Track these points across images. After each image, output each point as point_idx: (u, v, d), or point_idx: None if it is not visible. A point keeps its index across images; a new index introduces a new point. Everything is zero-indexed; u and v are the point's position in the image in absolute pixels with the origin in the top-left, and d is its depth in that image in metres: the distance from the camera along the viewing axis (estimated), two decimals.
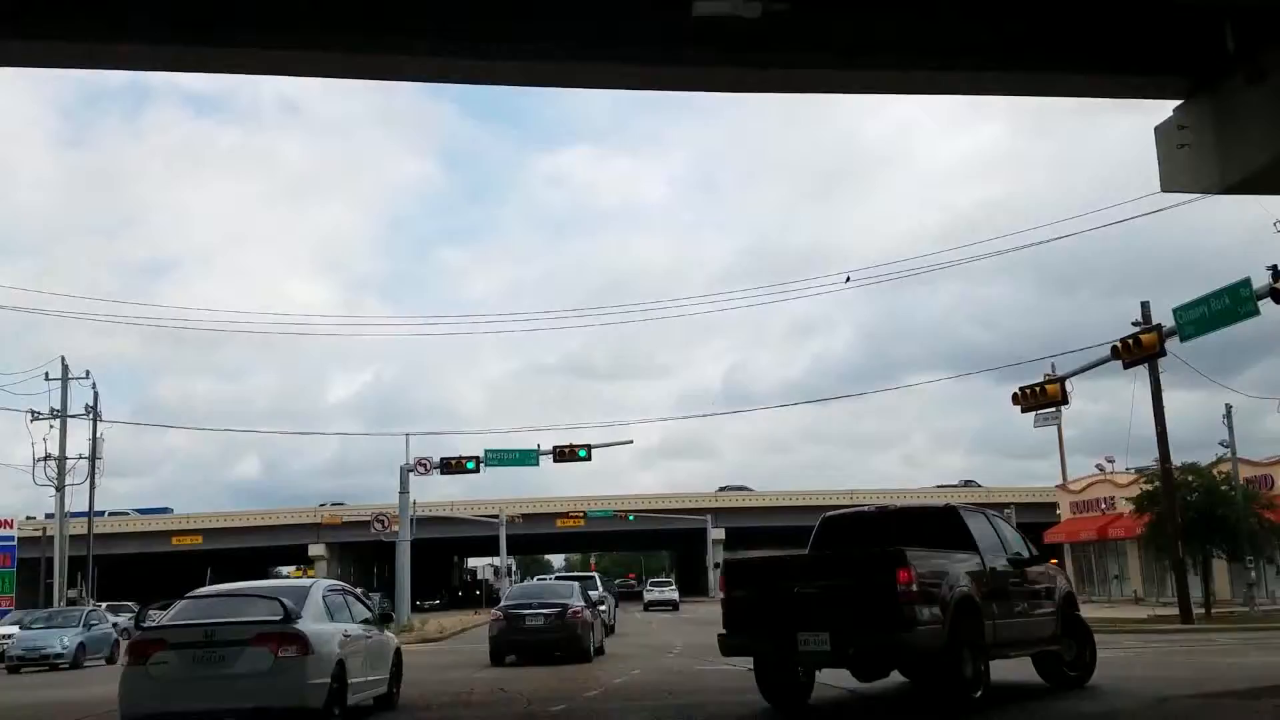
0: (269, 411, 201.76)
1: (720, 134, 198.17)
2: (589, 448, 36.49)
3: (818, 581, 10.53)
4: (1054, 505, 58.03)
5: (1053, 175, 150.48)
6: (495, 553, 70.65)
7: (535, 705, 13.56)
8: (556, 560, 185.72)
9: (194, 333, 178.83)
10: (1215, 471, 32.34)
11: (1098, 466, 56.67)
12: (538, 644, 19.69)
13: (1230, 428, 31.97)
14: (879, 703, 12.50)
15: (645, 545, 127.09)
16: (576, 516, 74.92)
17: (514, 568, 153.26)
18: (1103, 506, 54.14)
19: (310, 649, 10.58)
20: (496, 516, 65.80)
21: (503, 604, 21.21)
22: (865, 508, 13.70)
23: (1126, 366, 19.47)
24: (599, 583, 34.21)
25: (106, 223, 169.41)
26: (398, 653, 13.74)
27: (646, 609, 57.47)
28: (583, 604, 20.92)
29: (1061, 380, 22.12)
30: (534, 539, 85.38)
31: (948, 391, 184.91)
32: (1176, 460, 31.20)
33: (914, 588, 9.84)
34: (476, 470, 34.88)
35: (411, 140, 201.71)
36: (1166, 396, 26.35)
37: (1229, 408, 31.85)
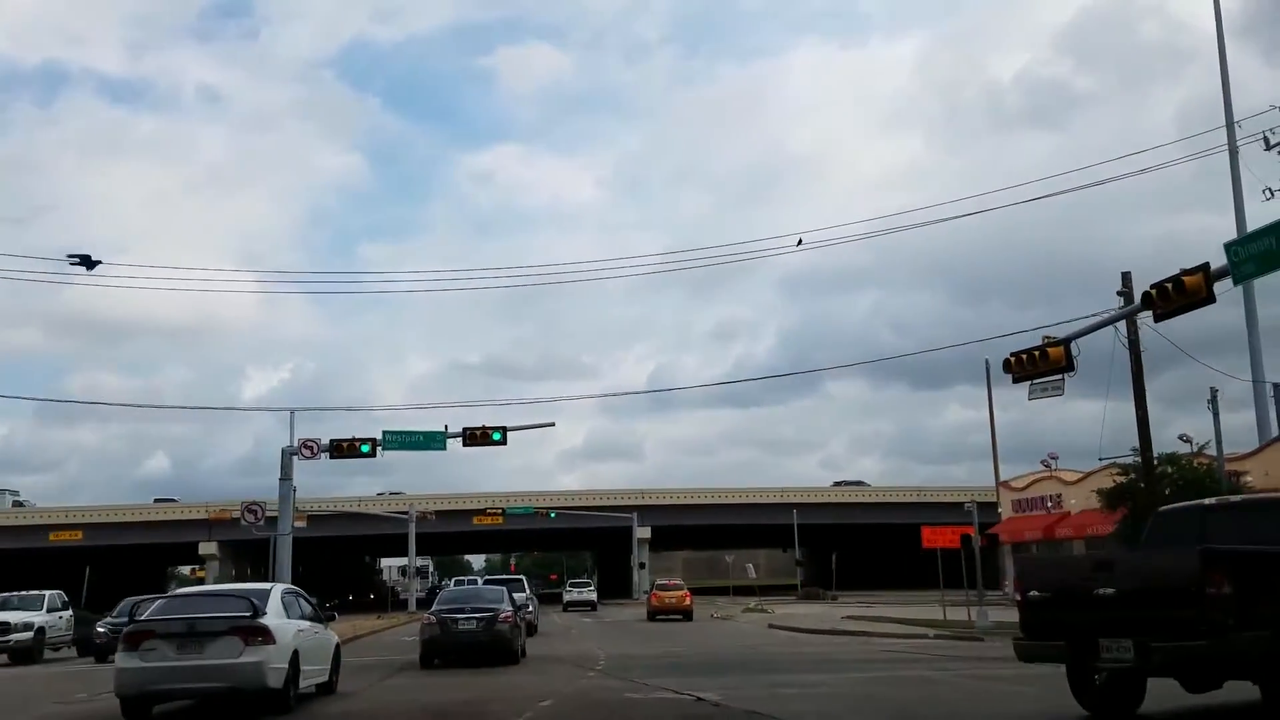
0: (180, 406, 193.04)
1: (646, 137, 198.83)
2: (504, 430, 32.14)
3: (1120, 583, 9.68)
4: (994, 505, 55.36)
5: (967, 187, 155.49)
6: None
7: None
8: (476, 560, 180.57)
9: (105, 327, 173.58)
10: (1196, 463, 29.34)
11: (1043, 464, 54.27)
12: (469, 647, 20.27)
13: (1215, 413, 28.84)
14: (1215, 717, 10.87)
15: (567, 545, 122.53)
16: (495, 514, 70.25)
17: (431, 569, 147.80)
18: (1048, 505, 51.52)
19: (273, 639, 12.44)
20: (406, 512, 60.93)
21: (435, 609, 21.71)
22: (1205, 501, 12.81)
23: (1159, 318, 15.89)
24: (526, 585, 35.87)
25: (16, 210, 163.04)
26: (337, 648, 15.96)
27: (566, 609, 55.30)
28: (511, 609, 21.42)
29: (1065, 342, 18.58)
30: (450, 538, 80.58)
31: (865, 398, 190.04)
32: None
33: (1227, 589, 8.79)
34: (373, 454, 30.22)
35: (335, 133, 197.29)
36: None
37: (1214, 391, 28.72)
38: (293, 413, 30.31)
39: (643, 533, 74.95)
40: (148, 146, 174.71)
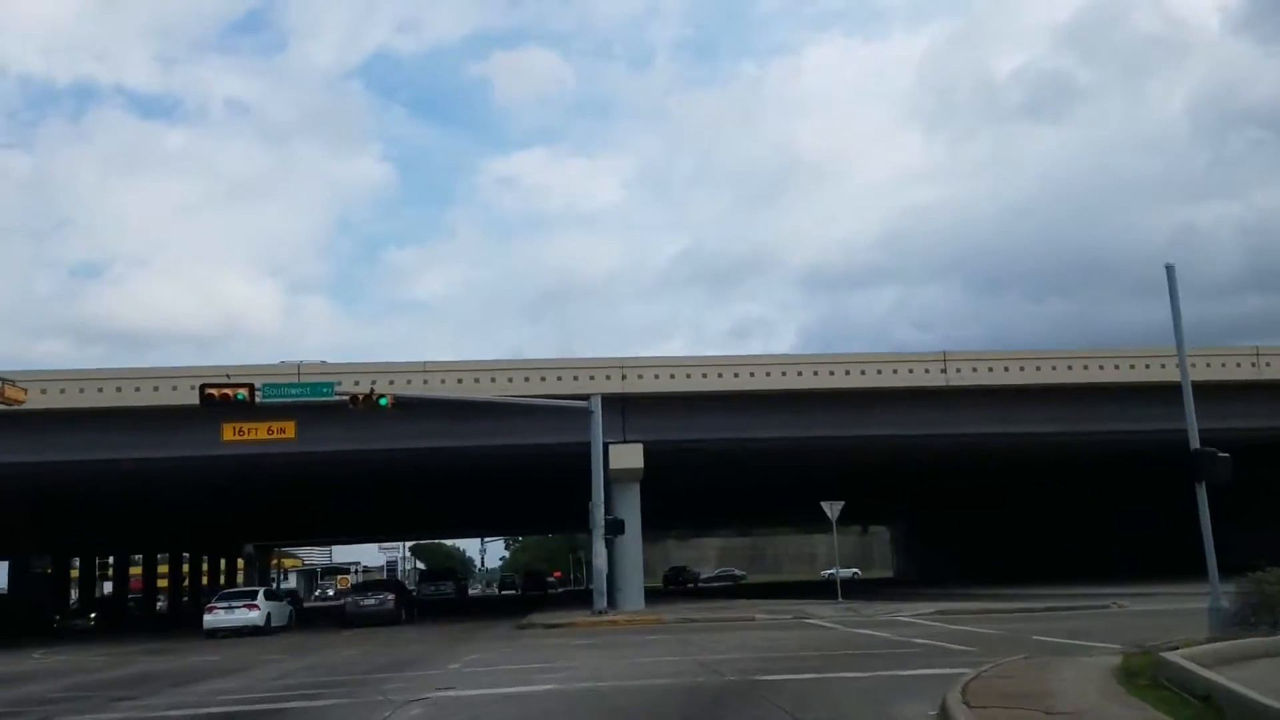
0: None
1: (663, 139, 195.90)
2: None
3: None
4: None
5: (979, 182, 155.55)
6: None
7: None
8: (486, 549, 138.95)
9: (128, 335, 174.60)
10: None
11: None
12: (369, 615, 35.95)
13: None
14: None
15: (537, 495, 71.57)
16: (237, 387, 28.32)
17: (414, 564, 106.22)
18: None
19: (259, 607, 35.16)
20: None
21: (349, 594, 42.37)
22: None
23: None
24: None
25: (41, 224, 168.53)
26: (292, 611, 39.96)
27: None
28: (394, 594, 37.74)
29: None
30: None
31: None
32: None
33: None
34: None
35: (360, 141, 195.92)
36: None
37: None
38: None
39: (625, 455, 32.26)
40: (173, 158, 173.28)
